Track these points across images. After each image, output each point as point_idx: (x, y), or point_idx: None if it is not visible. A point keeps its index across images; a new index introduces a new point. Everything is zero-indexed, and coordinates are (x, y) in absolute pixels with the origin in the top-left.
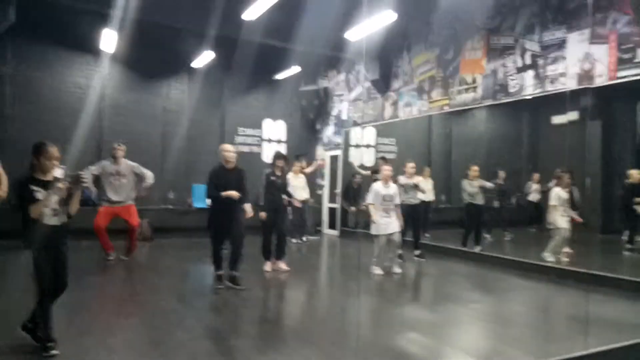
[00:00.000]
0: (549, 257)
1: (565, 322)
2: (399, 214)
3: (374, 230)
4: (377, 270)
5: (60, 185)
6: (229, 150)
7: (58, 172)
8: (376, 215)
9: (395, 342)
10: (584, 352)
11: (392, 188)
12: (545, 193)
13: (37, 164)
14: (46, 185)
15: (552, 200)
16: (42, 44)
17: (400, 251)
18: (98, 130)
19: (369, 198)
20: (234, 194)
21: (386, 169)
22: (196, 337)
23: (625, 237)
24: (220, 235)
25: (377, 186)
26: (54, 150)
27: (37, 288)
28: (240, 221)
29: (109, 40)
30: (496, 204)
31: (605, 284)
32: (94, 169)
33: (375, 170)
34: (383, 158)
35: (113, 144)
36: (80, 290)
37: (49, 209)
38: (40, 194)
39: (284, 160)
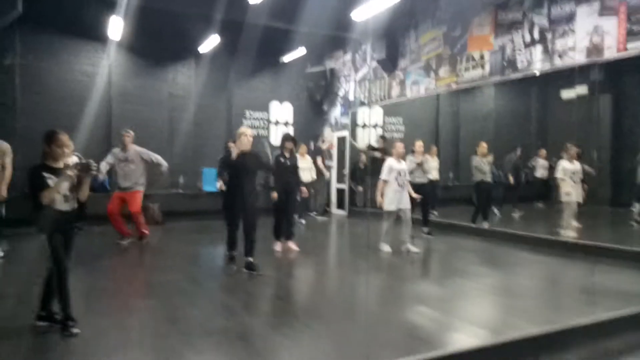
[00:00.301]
0: (570, 233)
1: (573, 293)
2: (411, 190)
3: (386, 206)
4: (386, 248)
5: (69, 172)
6: (249, 135)
7: (73, 159)
8: (387, 190)
9: (405, 316)
10: (591, 321)
11: (404, 164)
12: (552, 169)
13: (49, 151)
14: (57, 172)
15: (559, 173)
16: (49, 34)
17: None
18: (106, 118)
19: (383, 174)
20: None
21: (399, 146)
22: (211, 315)
23: (635, 209)
24: (235, 218)
25: (391, 161)
26: (65, 138)
27: (56, 269)
28: (254, 206)
29: (115, 27)
30: (511, 180)
31: (612, 255)
32: (108, 159)
33: (373, 147)
34: (383, 137)
35: (120, 130)
36: (95, 273)
37: (60, 195)
38: (51, 180)
39: (293, 142)
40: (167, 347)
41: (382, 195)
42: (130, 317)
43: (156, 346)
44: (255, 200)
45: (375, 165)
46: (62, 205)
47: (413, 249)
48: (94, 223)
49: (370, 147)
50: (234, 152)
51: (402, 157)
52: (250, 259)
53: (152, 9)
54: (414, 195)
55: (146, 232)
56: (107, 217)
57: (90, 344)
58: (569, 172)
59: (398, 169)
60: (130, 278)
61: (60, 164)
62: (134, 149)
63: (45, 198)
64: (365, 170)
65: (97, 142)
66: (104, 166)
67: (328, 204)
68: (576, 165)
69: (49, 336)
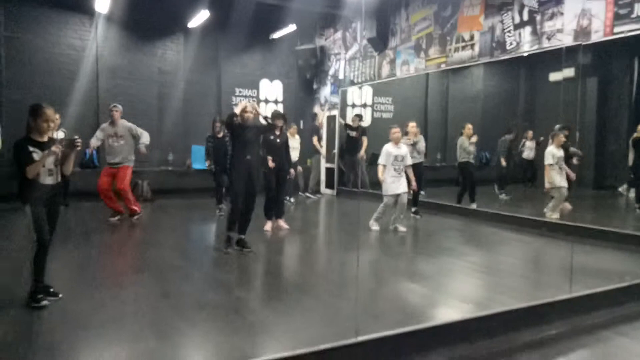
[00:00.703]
0: (553, 215)
1: (554, 271)
2: (411, 174)
3: (383, 190)
4: (375, 227)
5: (54, 148)
6: (251, 107)
7: (59, 134)
8: (385, 175)
9: (394, 292)
10: (568, 296)
11: (403, 149)
12: (539, 146)
13: (34, 125)
14: (42, 146)
15: (547, 159)
16: (35, 6)
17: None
18: (93, 92)
19: (380, 159)
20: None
21: (393, 131)
22: (203, 289)
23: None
24: (241, 196)
25: (388, 147)
26: (50, 112)
27: (37, 240)
28: (257, 182)
29: (103, 0)
30: (503, 162)
31: (594, 236)
32: (98, 134)
33: (349, 125)
34: (359, 115)
35: (109, 105)
36: (87, 248)
37: (45, 169)
38: (36, 154)
39: (283, 120)
40: (162, 319)
41: (382, 179)
42: (125, 291)
43: (151, 318)
44: (258, 177)
45: (351, 144)
46: (47, 179)
47: (401, 228)
48: (84, 199)
49: (346, 126)
50: (239, 118)
51: (399, 141)
52: (242, 236)
53: None
54: (413, 182)
55: (137, 209)
56: (97, 193)
57: (86, 314)
58: (556, 158)
59: (395, 154)
60: (122, 253)
61: (45, 138)
62: (123, 123)
63: (30, 172)
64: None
65: (85, 117)
66: (94, 142)
67: (318, 183)
68: (562, 152)
69: (45, 308)
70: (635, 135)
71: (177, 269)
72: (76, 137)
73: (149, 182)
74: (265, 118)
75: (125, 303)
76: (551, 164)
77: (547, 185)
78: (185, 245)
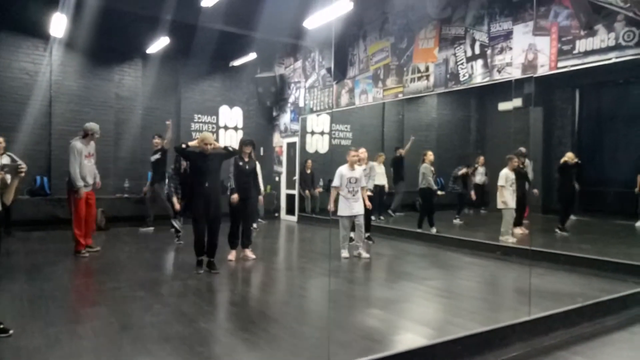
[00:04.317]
0: (509, 239)
1: (511, 294)
2: (366, 197)
3: (338, 212)
4: (345, 254)
5: None
6: (210, 137)
7: (4, 159)
8: (337, 198)
9: (357, 318)
10: (527, 319)
11: (358, 171)
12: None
13: None
14: None
15: (501, 181)
16: None
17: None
18: (46, 118)
19: (334, 181)
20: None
21: (352, 154)
22: (166, 321)
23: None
24: (201, 221)
25: (342, 169)
26: None
27: None
28: (219, 207)
29: (58, 23)
30: (459, 188)
31: (546, 259)
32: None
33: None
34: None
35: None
36: (41, 281)
37: None
38: None
39: (252, 147)
40: (123, 354)
41: (334, 201)
42: (81, 325)
43: (112, 353)
44: (220, 201)
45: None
46: None
47: (364, 254)
48: (34, 228)
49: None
50: (194, 143)
51: (354, 164)
52: (211, 259)
53: (98, 7)
54: (367, 203)
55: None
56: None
57: (41, 351)
58: (510, 181)
59: (349, 177)
60: (78, 285)
61: None
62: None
63: None
64: (311, 176)
65: (37, 143)
66: None
67: (277, 209)
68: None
69: None
70: (562, 160)
71: (137, 300)
72: (19, 162)
73: (104, 210)
74: (226, 147)
75: (83, 338)
76: (503, 185)
77: (499, 205)
78: (143, 275)
